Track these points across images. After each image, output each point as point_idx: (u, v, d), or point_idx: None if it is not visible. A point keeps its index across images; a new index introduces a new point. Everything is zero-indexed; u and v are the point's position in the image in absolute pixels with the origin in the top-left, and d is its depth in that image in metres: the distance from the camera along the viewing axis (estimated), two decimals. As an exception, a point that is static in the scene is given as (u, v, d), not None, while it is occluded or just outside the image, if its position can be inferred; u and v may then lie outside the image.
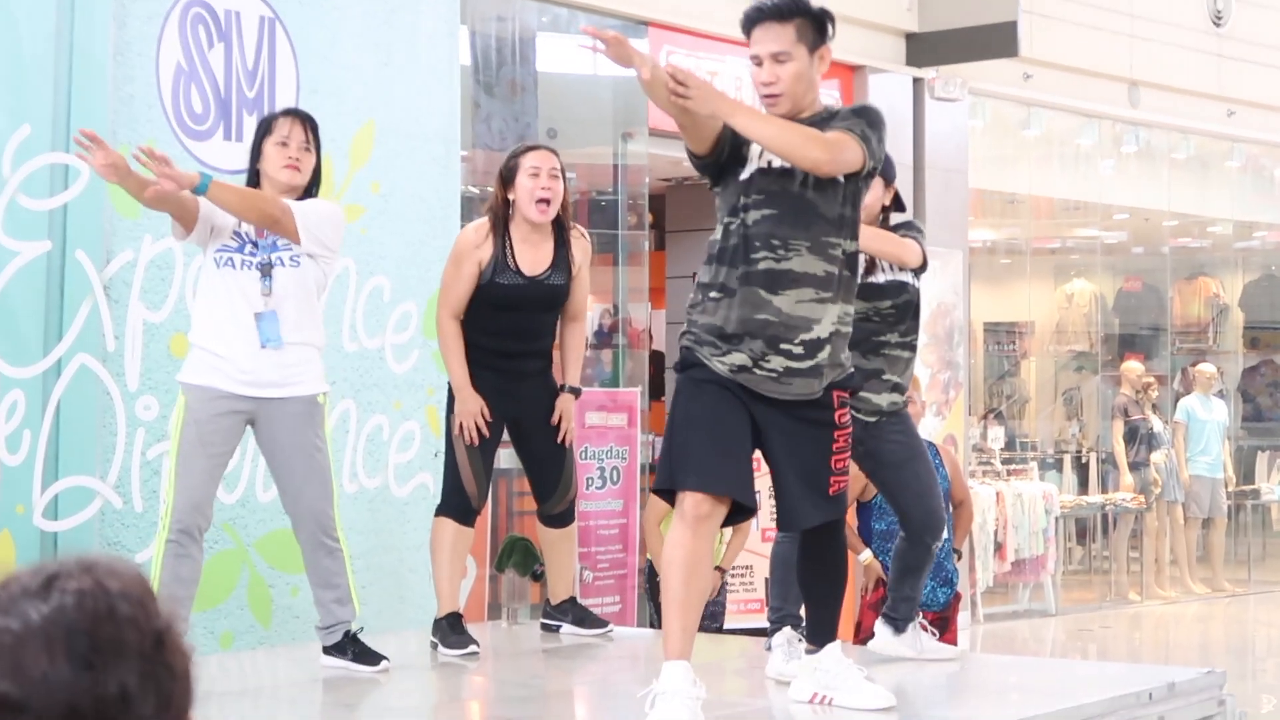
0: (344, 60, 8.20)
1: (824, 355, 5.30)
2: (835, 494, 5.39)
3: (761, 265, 5.25)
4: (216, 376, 6.24)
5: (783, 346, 5.26)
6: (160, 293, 7.51)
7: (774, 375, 5.27)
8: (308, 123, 6.48)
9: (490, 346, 6.88)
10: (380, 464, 8.23)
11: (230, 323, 6.25)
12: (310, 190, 6.48)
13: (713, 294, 5.32)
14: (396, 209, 8.34)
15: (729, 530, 8.83)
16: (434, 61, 8.61)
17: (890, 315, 6.50)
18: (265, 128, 6.46)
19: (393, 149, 8.35)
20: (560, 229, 6.96)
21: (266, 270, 6.30)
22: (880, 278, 6.53)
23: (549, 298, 6.92)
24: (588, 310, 7.64)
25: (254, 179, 6.44)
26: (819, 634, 5.63)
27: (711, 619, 8.96)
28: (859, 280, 5.89)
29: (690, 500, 5.20)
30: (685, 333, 5.38)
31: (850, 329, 5.43)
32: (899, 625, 6.61)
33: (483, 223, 6.95)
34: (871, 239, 6.34)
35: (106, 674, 1.80)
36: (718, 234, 5.37)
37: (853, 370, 5.49)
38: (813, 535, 5.52)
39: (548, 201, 6.86)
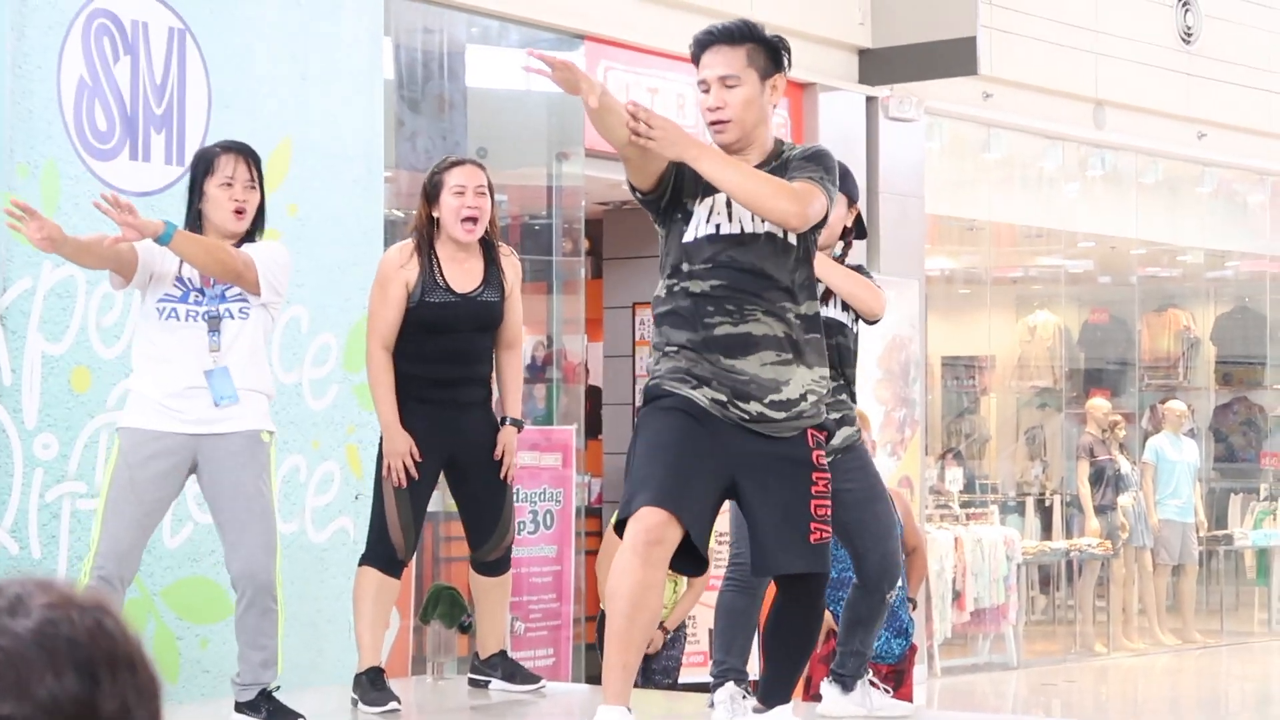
0: (258, 73, 8.17)
1: (798, 410, 5.34)
2: (817, 543, 5.35)
3: (718, 330, 5.29)
4: (151, 417, 6.25)
5: (755, 397, 5.29)
6: (61, 323, 7.46)
7: (747, 416, 5.28)
8: (252, 159, 6.47)
9: (425, 375, 6.87)
10: (297, 507, 8.19)
11: (175, 374, 6.27)
12: (254, 229, 6.48)
13: (669, 349, 5.33)
14: (314, 234, 8.31)
15: (683, 584, 8.82)
16: (355, 75, 8.60)
17: (834, 355, 6.49)
18: (206, 166, 6.45)
19: (311, 169, 8.32)
20: (489, 248, 7.01)
21: (214, 324, 6.31)
22: (836, 312, 6.54)
23: (483, 316, 6.94)
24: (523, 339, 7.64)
25: (195, 220, 6.43)
26: (774, 695, 5.62)
27: (665, 674, 8.95)
28: None
29: (641, 520, 5.13)
30: (651, 378, 5.39)
31: (826, 391, 5.46)
32: (847, 683, 6.59)
33: (407, 243, 6.98)
34: (843, 279, 6.39)
35: (111, 688, 1.78)
36: (661, 291, 5.41)
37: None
38: (792, 590, 5.49)
39: (475, 220, 6.90)
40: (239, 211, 6.39)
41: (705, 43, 5.45)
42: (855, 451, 6.54)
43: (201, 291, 6.32)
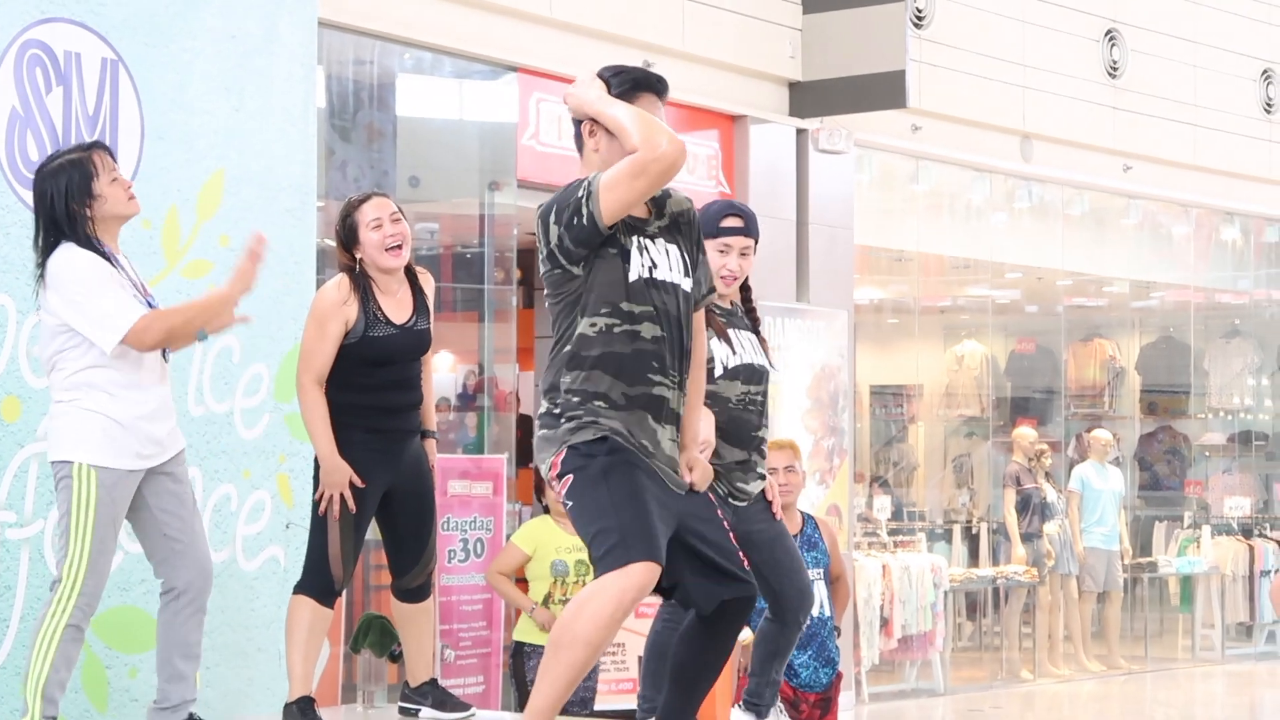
0: (192, 105, 8.16)
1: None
2: (748, 569, 5.49)
3: (655, 390, 5.31)
4: (127, 457, 6.30)
5: (670, 464, 5.39)
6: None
7: (670, 481, 5.40)
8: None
9: (371, 405, 6.91)
10: (228, 536, 8.17)
11: (142, 395, 6.33)
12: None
13: (599, 403, 5.29)
14: (247, 264, 8.30)
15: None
16: (288, 106, 8.59)
17: (760, 402, 6.55)
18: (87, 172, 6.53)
19: (244, 200, 8.31)
20: (409, 272, 7.11)
21: None
22: (761, 359, 6.55)
23: (418, 345, 7.06)
24: (450, 369, 7.69)
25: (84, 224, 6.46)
26: (680, 718, 5.64)
27: (581, 705, 8.96)
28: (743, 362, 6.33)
29: (644, 576, 5.12)
30: (588, 423, 5.29)
31: None
32: (762, 712, 6.61)
33: (342, 279, 7.01)
34: None
35: None
36: (590, 330, 5.31)
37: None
38: (721, 617, 5.52)
39: (400, 246, 7.01)
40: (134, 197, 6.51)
41: (663, 91, 5.57)
42: (761, 498, 6.61)
43: (149, 305, 6.40)
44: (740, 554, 5.49)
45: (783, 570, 6.42)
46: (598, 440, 5.26)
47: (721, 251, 6.40)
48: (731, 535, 5.51)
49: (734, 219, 6.47)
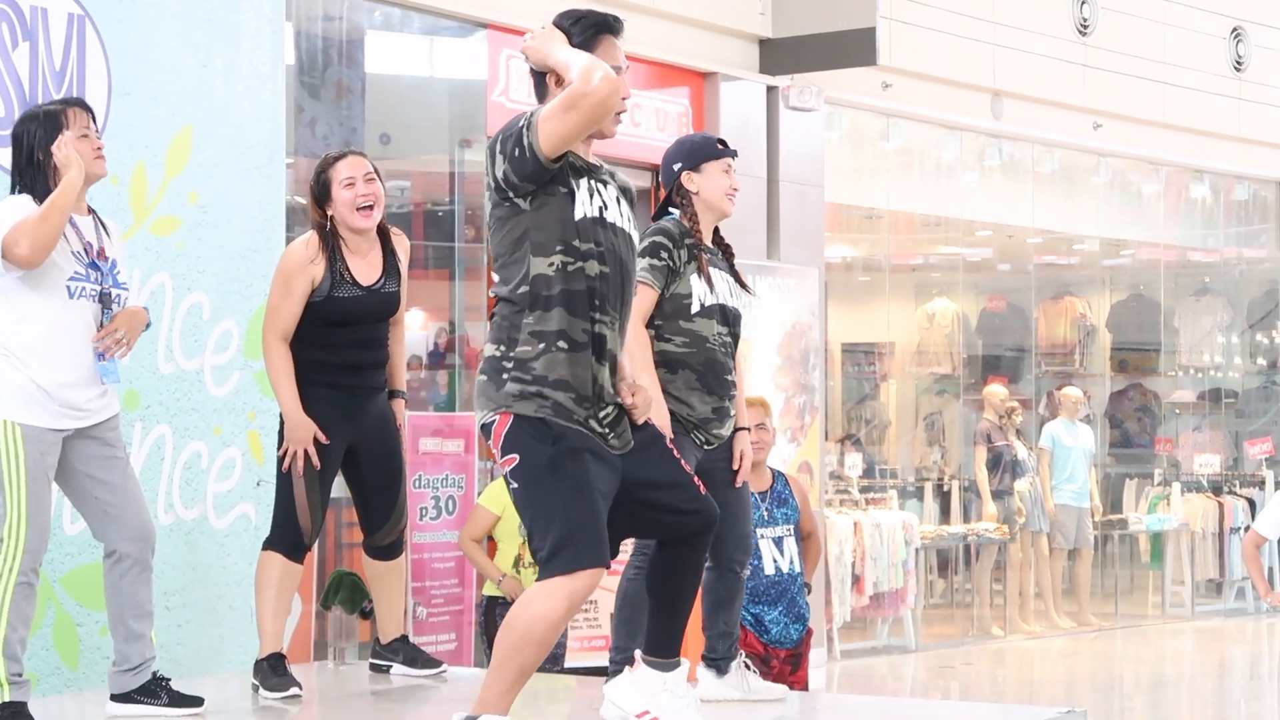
0: (160, 60, 8.13)
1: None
2: (706, 494, 5.55)
3: (597, 327, 5.33)
4: (51, 418, 6.21)
5: (611, 401, 5.39)
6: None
7: (608, 419, 5.39)
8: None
9: (334, 362, 6.92)
10: (198, 494, 8.17)
11: (73, 360, 6.24)
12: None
13: (561, 344, 5.29)
14: (216, 220, 8.28)
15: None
16: (257, 62, 8.56)
17: (732, 345, 6.58)
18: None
19: (212, 156, 8.29)
20: (382, 233, 7.07)
21: (107, 302, 6.31)
22: (735, 302, 6.58)
23: (385, 307, 7.04)
24: (422, 327, 7.67)
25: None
26: (672, 645, 5.66)
27: (552, 661, 8.96)
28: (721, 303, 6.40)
29: (586, 580, 5.18)
30: (532, 393, 5.26)
31: None
32: (722, 666, 6.58)
33: (311, 237, 6.99)
34: None
35: None
36: (545, 269, 5.29)
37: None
38: (683, 542, 5.55)
39: (371, 207, 6.97)
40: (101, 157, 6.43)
41: (619, 31, 5.55)
42: (729, 439, 6.62)
43: (96, 266, 6.31)
44: (695, 478, 5.53)
45: (730, 513, 6.40)
46: (539, 420, 5.24)
47: (726, 171, 6.56)
48: (683, 462, 5.55)
49: (720, 143, 6.65)
